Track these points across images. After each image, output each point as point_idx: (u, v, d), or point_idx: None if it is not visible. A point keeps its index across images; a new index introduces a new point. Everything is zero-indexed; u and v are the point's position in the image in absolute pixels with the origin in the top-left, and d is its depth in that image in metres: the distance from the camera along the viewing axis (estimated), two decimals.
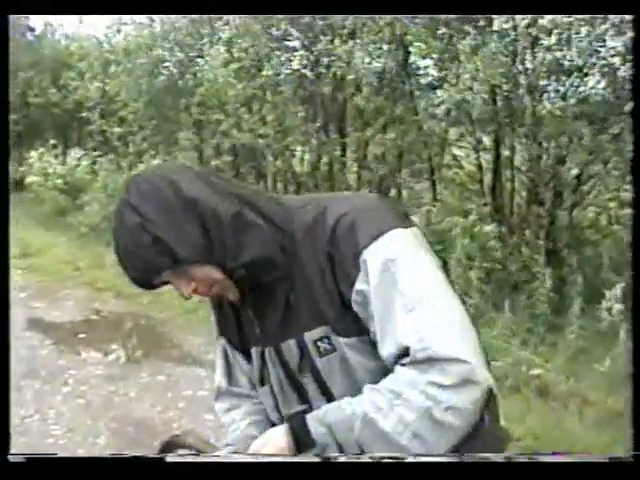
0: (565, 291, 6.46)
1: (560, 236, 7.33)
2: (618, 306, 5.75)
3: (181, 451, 2.06)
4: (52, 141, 12.75)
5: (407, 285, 1.55)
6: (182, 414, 5.49)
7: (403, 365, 1.51)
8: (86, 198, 11.00)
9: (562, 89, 7.21)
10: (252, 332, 1.83)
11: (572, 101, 7.27)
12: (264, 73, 9.20)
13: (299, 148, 9.21)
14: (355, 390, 1.62)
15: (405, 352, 1.50)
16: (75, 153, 12.30)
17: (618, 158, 7.35)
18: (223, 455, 1.61)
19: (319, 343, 1.68)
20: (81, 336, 7.08)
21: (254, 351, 1.85)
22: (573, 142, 7.06)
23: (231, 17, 9.78)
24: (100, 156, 12.18)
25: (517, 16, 7.15)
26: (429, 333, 1.49)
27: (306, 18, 8.90)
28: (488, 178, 8.13)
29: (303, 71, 9.01)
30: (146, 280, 1.69)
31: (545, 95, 6.96)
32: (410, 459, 1.42)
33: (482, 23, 7.48)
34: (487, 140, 8.14)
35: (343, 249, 1.61)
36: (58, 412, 5.51)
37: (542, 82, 7.01)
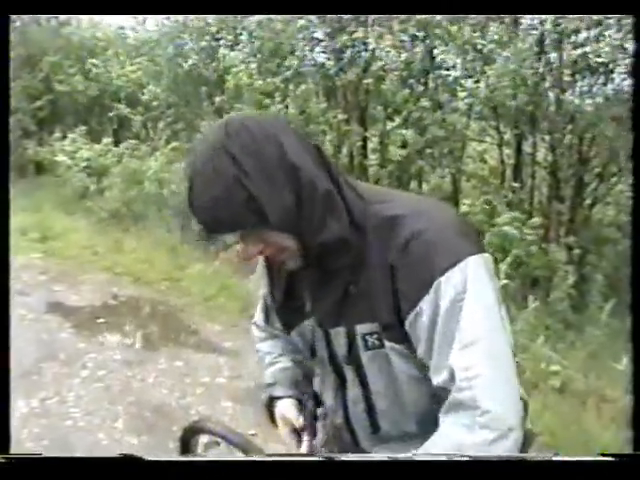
0: (585, 289, 6.45)
1: (581, 233, 7.30)
2: None
3: (202, 437, 2.07)
4: (81, 126, 12.77)
5: (469, 321, 1.54)
6: (200, 401, 5.52)
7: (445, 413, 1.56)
8: (106, 183, 11.03)
9: (587, 86, 7.18)
10: (300, 306, 1.83)
11: (597, 99, 7.25)
12: (287, 64, 9.22)
13: (321, 138, 9.20)
14: (392, 390, 1.72)
15: (449, 385, 1.53)
16: (101, 138, 12.33)
17: None
18: (222, 455, 1.63)
19: (368, 337, 1.69)
20: (100, 321, 7.12)
21: (307, 324, 1.84)
22: (596, 139, 7.03)
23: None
24: (120, 142, 12.21)
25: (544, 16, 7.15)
26: (474, 378, 1.51)
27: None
28: (509, 173, 8.12)
29: (326, 62, 8.98)
30: (215, 231, 1.63)
31: (570, 92, 6.93)
32: (409, 459, 1.45)
33: (508, 20, 7.47)
34: (509, 135, 8.12)
35: (416, 267, 1.59)
36: (77, 395, 5.54)
37: (567, 79, 6.98)
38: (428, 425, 1.64)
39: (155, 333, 6.88)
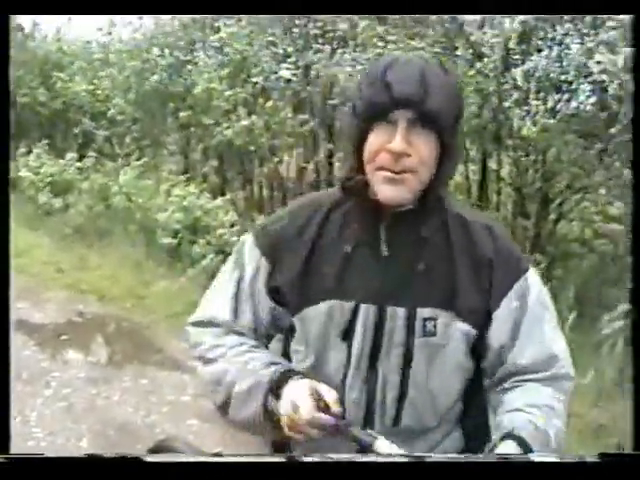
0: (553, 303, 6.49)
1: (546, 249, 7.36)
2: (618, 323, 5.80)
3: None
4: (44, 140, 12.68)
5: (551, 310, 1.89)
6: (165, 419, 5.47)
7: (540, 380, 1.83)
8: (71, 199, 10.94)
9: (552, 103, 7.24)
10: (322, 283, 1.80)
11: (561, 116, 7.32)
12: (254, 79, 9.23)
13: (287, 154, 9.22)
14: (433, 381, 1.78)
15: (549, 362, 1.83)
16: (65, 153, 12.24)
17: (605, 173, 7.40)
18: (221, 455, 1.58)
19: (427, 322, 1.75)
20: (64, 338, 7.04)
21: (334, 302, 1.78)
22: (561, 156, 7.09)
23: (222, 23, 9.81)
24: (84, 157, 12.14)
25: (507, 30, 7.22)
26: (565, 354, 1.87)
27: (300, 21, 8.94)
28: (475, 190, 8.16)
29: (293, 77, 9.00)
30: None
31: (534, 109, 6.98)
32: (409, 459, 1.44)
33: (473, 38, 7.54)
34: (475, 152, 8.18)
35: (507, 262, 1.83)
36: (40, 414, 5.47)
37: (532, 96, 7.04)
38: (447, 421, 1.83)
39: (120, 351, 6.82)
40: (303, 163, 9.22)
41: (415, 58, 1.81)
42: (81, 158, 12.09)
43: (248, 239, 1.93)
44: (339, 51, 8.51)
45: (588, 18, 7.21)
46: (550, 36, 7.13)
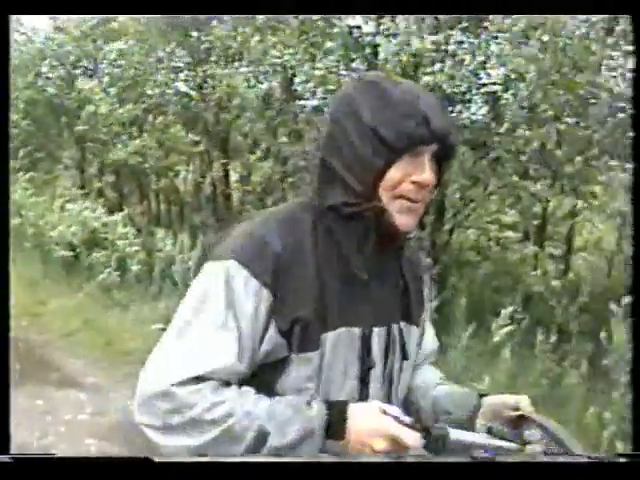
0: (446, 312, 6.60)
1: (442, 258, 7.48)
2: (506, 328, 5.91)
3: None
4: None
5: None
6: (61, 439, 5.35)
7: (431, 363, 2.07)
8: None
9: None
10: (361, 307, 1.73)
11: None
12: (149, 92, 9.15)
13: (183, 168, 9.16)
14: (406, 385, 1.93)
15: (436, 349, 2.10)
16: None
17: (498, 182, 7.56)
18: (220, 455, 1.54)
19: (403, 334, 1.86)
20: None
21: (343, 330, 1.69)
22: (454, 166, 7.21)
23: (117, 33, 9.72)
24: None
25: (402, 43, 7.32)
26: None
27: (192, 39, 8.91)
28: None
29: (188, 91, 8.96)
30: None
31: None
32: (410, 459, 1.45)
33: (368, 50, 7.63)
34: None
35: (428, 276, 2.02)
36: None
37: None
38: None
39: (15, 371, 6.64)
40: (199, 177, 9.17)
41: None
42: None
43: (234, 268, 1.63)
44: (235, 64, 8.50)
45: (479, 30, 7.40)
46: (443, 48, 7.25)
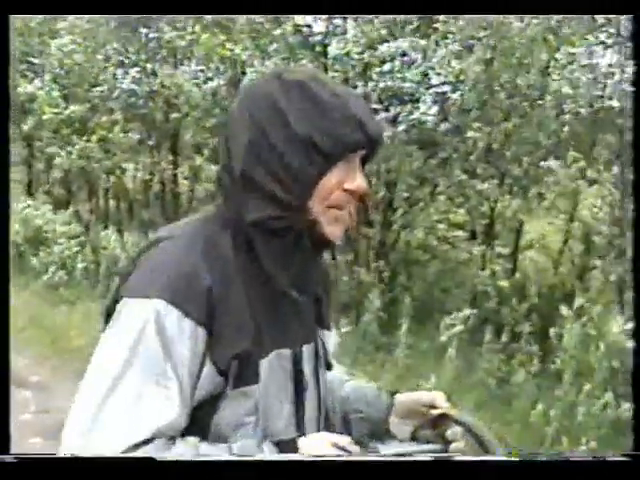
0: (394, 311, 6.64)
1: (390, 256, 7.51)
2: (458, 328, 5.96)
3: None
4: None
5: None
6: None
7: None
8: None
9: (393, 114, 7.41)
10: (292, 326, 1.63)
11: (403, 126, 7.49)
12: (97, 89, 9.07)
13: (131, 166, 9.10)
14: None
15: None
16: None
17: (446, 181, 7.62)
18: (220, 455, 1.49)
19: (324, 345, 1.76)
20: None
21: (288, 352, 1.61)
22: (403, 166, 7.25)
23: (64, 31, 9.62)
24: None
25: (352, 43, 7.35)
26: None
27: (141, 37, 8.86)
28: None
29: (136, 89, 8.89)
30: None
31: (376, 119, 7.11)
32: (409, 458, 1.46)
33: (318, 49, 7.64)
34: None
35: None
36: None
37: (374, 106, 7.17)
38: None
39: None
40: (147, 175, 9.12)
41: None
42: None
43: (164, 309, 1.44)
44: (183, 62, 8.48)
45: (429, 30, 7.46)
46: (393, 48, 7.29)
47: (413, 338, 6.13)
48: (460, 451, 1.60)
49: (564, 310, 5.52)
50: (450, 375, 5.54)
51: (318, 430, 1.68)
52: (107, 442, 1.36)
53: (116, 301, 1.51)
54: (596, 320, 5.35)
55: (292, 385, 1.62)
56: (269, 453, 1.45)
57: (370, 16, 7.32)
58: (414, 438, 1.67)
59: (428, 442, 1.64)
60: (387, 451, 1.53)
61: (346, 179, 1.54)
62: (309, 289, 1.66)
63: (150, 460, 1.33)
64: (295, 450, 1.47)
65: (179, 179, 9.30)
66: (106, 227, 8.95)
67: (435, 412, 1.66)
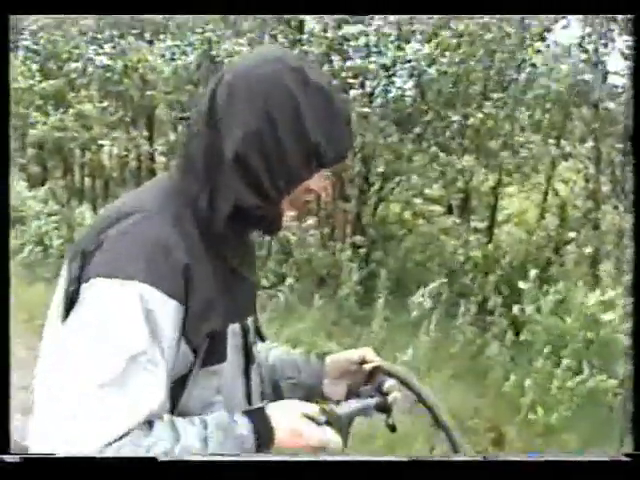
0: (371, 285, 6.66)
1: (366, 231, 7.53)
2: (428, 301, 5.99)
3: None
4: None
5: None
6: None
7: None
8: None
9: (369, 89, 7.41)
10: (242, 303, 1.65)
11: (378, 101, 7.49)
12: (72, 66, 9.01)
13: (107, 142, 9.04)
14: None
15: None
16: None
17: (421, 156, 7.63)
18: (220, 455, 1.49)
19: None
20: None
21: (238, 327, 1.62)
22: (378, 141, 7.25)
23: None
24: None
25: (327, 19, 7.33)
26: None
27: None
28: None
29: (112, 65, 8.84)
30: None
31: (351, 95, 7.10)
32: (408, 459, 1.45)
33: (294, 24, 7.61)
34: None
35: None
36: None
37: (350, 81, 7.17)
38: None
39: None
40: (124, 152, 9.07)
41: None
42: None
43: (147, 291, 1.39)
44: (158, 39, 8.43)
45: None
46: (369, 22, 7.28)
47: (390, 311, 6.16)
48: (398, 401, 1.66)
49: (538, 282, 5.57)
50: (426, 347, 5.57)
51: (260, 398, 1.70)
52: (101, 433, 1.32)
53: (78, 283, 1.42)
54: (571, 292, 5.39)
55: (243, 359, 1.63)
56: (244, 426, 1.45)
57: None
58: (358, 395, 1.69)
59: (370, 397, 1.67)
60: (341, 411, 1.56)
61: (318, 179, 1.56)
62: (253, 268, 1.72)
63: (151, 460, 1.33)
64: (267, 421, 1.47)
65: (155, 155, 9.26)
66: (81, 204, 8.90)
67: (368, 367, 1.71)
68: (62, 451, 1.31)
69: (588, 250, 6.95)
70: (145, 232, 1.44)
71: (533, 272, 5.70)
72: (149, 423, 1.37)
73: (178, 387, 1.48)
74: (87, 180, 10.02)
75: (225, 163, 1.47)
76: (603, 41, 7.19)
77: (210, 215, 1.51)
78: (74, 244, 1.57)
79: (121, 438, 1.32)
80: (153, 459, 1.33)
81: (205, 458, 1.39)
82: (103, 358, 1.35)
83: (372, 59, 7.24)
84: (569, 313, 5.29)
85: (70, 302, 1.41)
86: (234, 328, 1.58)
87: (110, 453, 1.31)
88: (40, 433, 1.35)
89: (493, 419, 4.96)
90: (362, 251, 7.11)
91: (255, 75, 1.50)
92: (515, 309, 5.69)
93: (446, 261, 7.41)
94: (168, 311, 1.40)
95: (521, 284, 5.74)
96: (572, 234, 7.39)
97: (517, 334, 5.83)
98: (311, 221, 7.14)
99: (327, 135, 1.49)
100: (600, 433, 4.71)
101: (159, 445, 1.35)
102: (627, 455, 1.46)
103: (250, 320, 1.68)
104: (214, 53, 7.86)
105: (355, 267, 6.68)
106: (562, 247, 7.49)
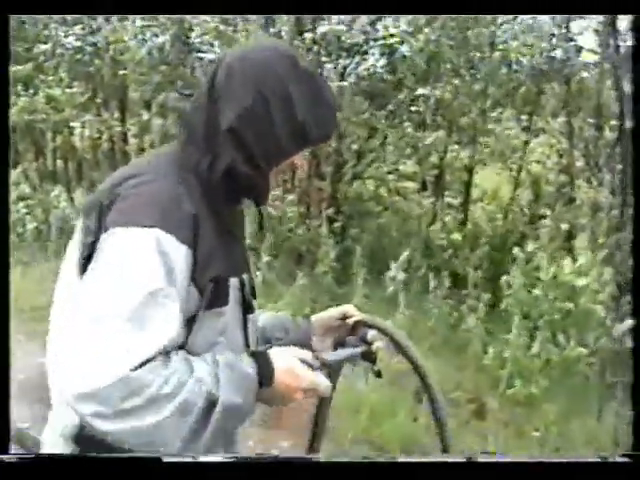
0: (347, 262, 6.68)
1: (342, 208, 7.54)
2: (401, 275, 6.01)
3: None
4: None
5: None
6: None
7: None
8: None
9: (341, 66, 7.40)
10: (237, 258, 1.81)
11: (351, 78, 7.49)
12: (41, 48, 8.93)
13: (78, 124, 8.98)
14: None
15: None
16: None
17: (395, 132, 7.65)
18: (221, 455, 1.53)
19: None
20: None
21: (236, 281, 1.76)
22: (352, 118, 7.26)
23: None
24: None
25: None
26: None
27: None
28: None
29: (82, 46, 8.77)
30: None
31: (325, 72, 7.10)
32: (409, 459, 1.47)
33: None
34: None
35: None
36: None
37: (322, 59, 7.16)
38: None
39: None
40: (96, 134, 9.01)
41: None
42: None
43: (163, 236, 1.55)
44: (130, 17, 8.33)
45: None
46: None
47: (367, 288, 6.18)
48: (381, 349, 1.90)
49: (513, 253, 5.61)
50: (402, 323, 5.60)
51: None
52: (125, 361, 1.45)
53: (97, 234, 1.57)
54: (546, 263, 5.42)
55: (241, 311, 1.79)
56: (249, 364, 1.59)
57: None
58: (343, 345, 1.94)
59: (355, 346, 1.90)
60: (331, 358, 1.78)
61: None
62: (243, 233, 1.94)
63: (153, 460, 1.37)
64: (269, 362, 1.62)
65: (128, 137, 9.20)
66: (55, 186, 8.85)
67: (350, 321, 1.95)
68: (91, 384, 1.42)
69: (562, 224, 7.00)
70: (157, 186, 1.62)
71: (508, 246, 5.73)
72: (167, 355, 1.52)
73: (187, 326, 1.62)
74: (59, 163, 9.94)
75: (222, 134, 1.64)
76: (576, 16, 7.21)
77: (209, 176, 1.68)
78: (88, 201, 1.70)
79: (142, 365, 1.46)
80: (158, 459, 1.38)
81: (205, 459, 1.44)
82: (125, 295, 1.50)
83: (344, 36, 7.22)
84: (545, 285, 5.33)
85: (88, 253, 1.57)
86: (233, 282, 1.73)
87: (137, 376, 1.44)
88: (70, 372, 1.46)
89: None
90: (338, 228, 7.12)
91: (250, 60, 1.68)
92: (491, 282, 5.73)
93: (422, 237, 7.44)
94: (180, 255, 1.56)
95: (497, 258, 5.77)
96: (546, 209, 7.44)
97: (493, 307, 5.88)
98: (290, 197, 7.15)
99: (313, 116, 1.67)
100: (578, 404, 4.77)
101: (175, 375, 1.48)
102: (626, 455, 1.49)
103: (246, 277, 1.81)
104: (186, 33, 7.85)
105: (332, 244, 6.70)
106: (536, 221, 7.53)
